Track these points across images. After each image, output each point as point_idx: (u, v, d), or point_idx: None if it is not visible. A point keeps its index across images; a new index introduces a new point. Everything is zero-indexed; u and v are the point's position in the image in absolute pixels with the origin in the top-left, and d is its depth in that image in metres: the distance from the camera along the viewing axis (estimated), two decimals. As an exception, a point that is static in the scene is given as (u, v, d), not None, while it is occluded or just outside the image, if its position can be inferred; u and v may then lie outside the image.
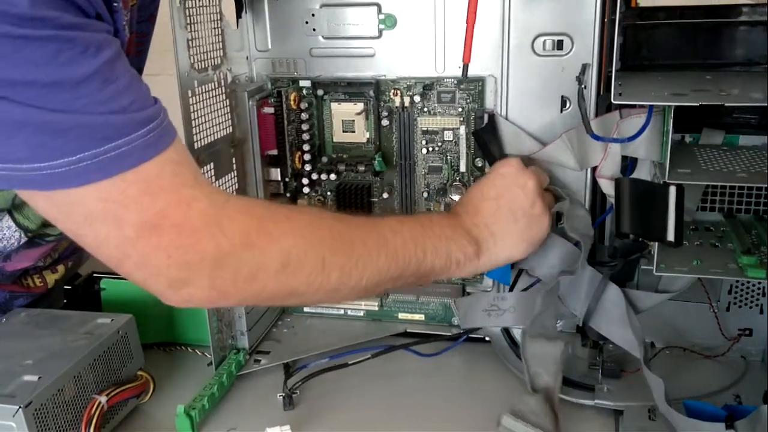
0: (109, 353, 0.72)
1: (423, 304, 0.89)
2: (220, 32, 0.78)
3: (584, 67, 0.71)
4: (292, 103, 0.84)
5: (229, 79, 0.80)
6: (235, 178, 0.82)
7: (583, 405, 0.72)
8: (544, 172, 0.73)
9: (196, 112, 0.72)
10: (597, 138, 0.68)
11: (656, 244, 0.66)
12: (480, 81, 0.78)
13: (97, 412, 0.67)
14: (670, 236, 0.62)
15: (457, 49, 0.78)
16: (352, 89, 0.83)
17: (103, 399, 0.69)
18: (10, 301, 0.84)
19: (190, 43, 0.71)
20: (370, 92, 0.82)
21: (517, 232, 0.68)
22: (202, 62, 0.74)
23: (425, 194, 0.84)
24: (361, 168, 0.84)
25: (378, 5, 0.79)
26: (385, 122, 0.83)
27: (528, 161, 0.73)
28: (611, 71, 0.61)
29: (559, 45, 0.73)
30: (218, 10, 0.77)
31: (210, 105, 0.76)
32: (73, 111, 0.46)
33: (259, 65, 0.85)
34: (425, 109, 0.81)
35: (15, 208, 0.77)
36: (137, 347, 0.77)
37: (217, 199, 0.53)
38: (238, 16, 0.83)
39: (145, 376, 0.76)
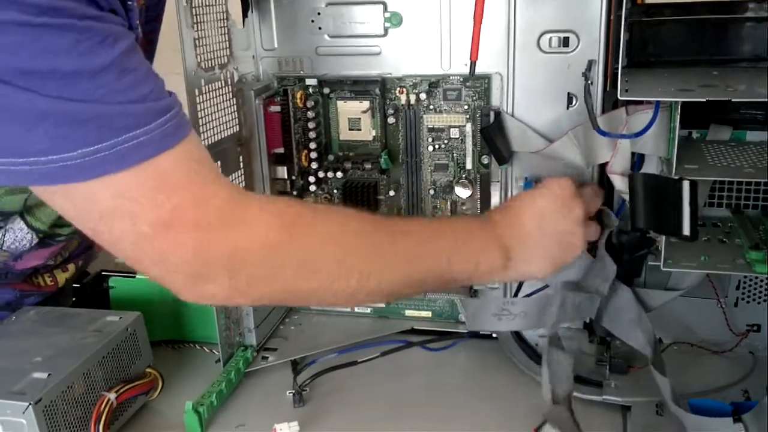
0: (117, 351, 0.73)
1: (430, 301, 0.89)
2: (226, 31, 0.78)
3: (590, 64, 0.71)
4: (298, 101, 0.84)
5: (236, 78, 0.80)
6: (242, 176, 0.82)
7: (591, 401, 0.72)
8: (597, 197, 0.70)
9: (202, 111, 0.73)
10: (603, 134, 0.68)
11: (663, 239, 0.66)
12: (486, 78, 0.78)
13: (107, 409, 0.68)
14: (686, 230, 0.62)
15: (462, 46, 0.78)
16: (358, 87, 0.83)
17: (112, 396, 0.69)
18: (20, 299, 0.85)
19: (196, 42, 0.72)
20: (376, 90, 0.82)
21: (549, 256, 0.66)
22: (209, 61, 0.74)
23: (431, 191, 0.85)
24: (368, 166, 0.84)
25: (384, 3, 0.79)
26: (391, 120, 0.83)
27: (580, 184, 0.70)
28: (617, 68, 0.61)
29: (565, 42, 0.73)
30: (224, 9, 0.77)
31: (217, 104, 0.76)
32: (93, 101, 0.45)
33: (266, 64, 0.86)
34: (431, 107, 0.82)
35: (26, 210, 0.78)
36: (146, 344, 0.78)
37: (236, 197, 0.53)
38: (245, 15, 0.83)
39: (153, 373, 0.76)
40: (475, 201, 0.83)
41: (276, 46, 0.85)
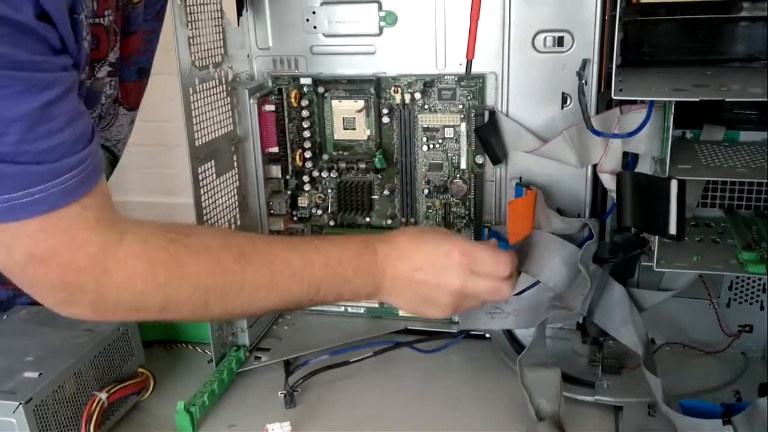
0: (109, 350, 0.72)
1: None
2: (221, 30, 0.78)
3: (584, 63, 0.71)
4: (293, 100, 0.84)
5: (230, 77, 0.80)
6: (236, 175, 0.82)
7: (583, 401, 0.72)
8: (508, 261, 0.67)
9: (197, 110, 0.73)
10: (597, 133, 0.68)
11: (656, 239, 0.67)
12: (481, 78, 0.78)
13: (98, 409, 0.68)
14: (672, 230, 0.63)
15: (457, 46, 0.78)
16: (352, 86, 0.83)
17: (103, 396, 0.69)
18: (12, 299, 0.84)
19: (191, 40, 0.71)
20: (371, 89, 0.82)
21: (413, 304, 0.67)
22: (203, 60, 0.74)
23: (426, 191, 0.85)
24: (362, 165, 0.84)
25: (378, 3, 0.79)
26: (385, 119, 0.83)
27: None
28: (612, 67, 0.61)
29: (560, 41, 0.73)
30: (219, 8, 0.77)
31: (211, 103, 0.76)
32: None
33: (260, 63, 0.85)
34: (426, 107, 0.82)
35: None
36: (138, 344, 0.77)
37: (109, 242, 0.54)
38: (239, 14, 0.83)
39: (145, 373, 0.76)
40: (469, 200, 0.83)
41: (270, 45, 0.85)
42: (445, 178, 0.84)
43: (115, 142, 0.85)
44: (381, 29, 0.80)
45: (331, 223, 0.88)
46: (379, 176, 0.86)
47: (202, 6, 0.73)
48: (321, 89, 0.83)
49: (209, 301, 0.58)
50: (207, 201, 0.75)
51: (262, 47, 0.85)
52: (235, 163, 0.82)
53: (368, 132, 0.84)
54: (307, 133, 0.85)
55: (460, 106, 0.80)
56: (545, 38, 0.73)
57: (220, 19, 0.78)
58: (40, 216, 0.49)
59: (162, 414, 0.74)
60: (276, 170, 0.86)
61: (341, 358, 0.79)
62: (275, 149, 0.84)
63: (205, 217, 0.75)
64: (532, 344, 0.72)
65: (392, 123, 0.83)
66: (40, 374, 0.65)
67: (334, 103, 0.84)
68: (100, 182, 0.54)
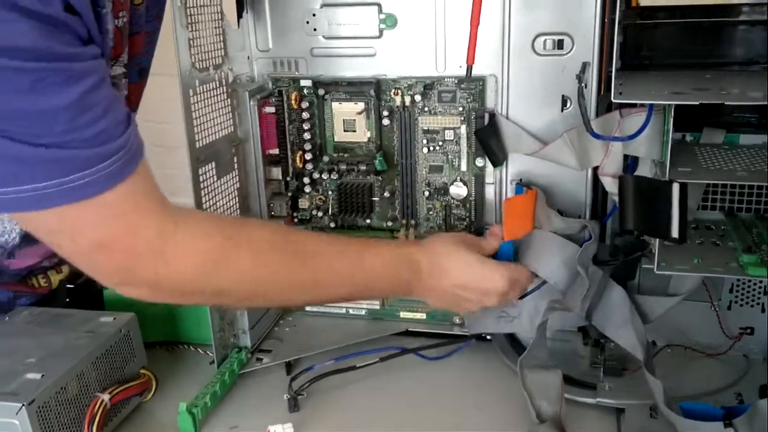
0: (111, 352, 0.73)
1: (425, 302, 0.89)
2: (221, 32, 0.78)
3: (584, 66, 0.71)
4: (293, 102, 0.84)
5: (231, 79, 0.80)
6: (237, 177, 0.82)
7: (584, 403, 0.72)
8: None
9: (197, 112, 0.73)
10: (597, 136, 0.68)
11: (657, 242, 0.67)
12: (481, 80, 0.78)
13: (100, 410, 0.68)
14: (674, 233, 0.63)
15: (457, 48, 0.78)
16: (353, 89, 0.83)
17: (105, 397, 0.69)
18: (13, 300, 0.85)
19: (191, 42, 0.72)
20: (371, 92, 0.82)
21: (446, 305, 0.76)
22: (204, 62, 0.74)
23: (426, 193, 0.85)
24: (362, 167, 0.84)
25: (379, 5, 0.79)
26: (386, 122, 0.83)
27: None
28: (611, 70, 0.61)
29: (560, 44, 0.73)
30: (219, 10, 0.77)
31: (211, 104, 0.76)
32: (47, 142, 0.49)
33: (261, 65, 0.86)
34: (426, 109, 0.82)
35: None
36: (140, 346, 0.78)
37: (166, 230, 0.57)
38: (239, 15, 0.83)
39: (147, 375, 0.76)
40: (470, 202, 0.83)
41: (271, 46, 0.85)
42: (446, 180, 0.84)
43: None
44: (381, 31, 0.80)
45: (332, 225, 0.88)
46: (380, 178, 0.86)
47: (202, 8, 0.74)
48: (321, 91, 0.83)
49: (259, 292, 0.64)
50: (208, 202, 0.76)
51: (262, 49, 0.85)
52: (236, 165, 0.82)
53: (368, 134, 0.84)
54: (307, 135, 0.85)
55: (461, 109, 0.80)
56: (545, 41, 0.73)
57: (220, 21, 0.78)
58: (92, 199, 0.52)
59: (164, 415, 0.75)
60: (276, 172, 0.86)
61: (345, 363, 0.79)
62: (276, 151, 0.84)
63: (206, 220, 0.75)
64: (533, 346, 0.72)
65: (392, 125, 0.83)
66: (42, 376, 0.65)
67: (335, 105, 0.84)
68: (142, 163, 0.56)
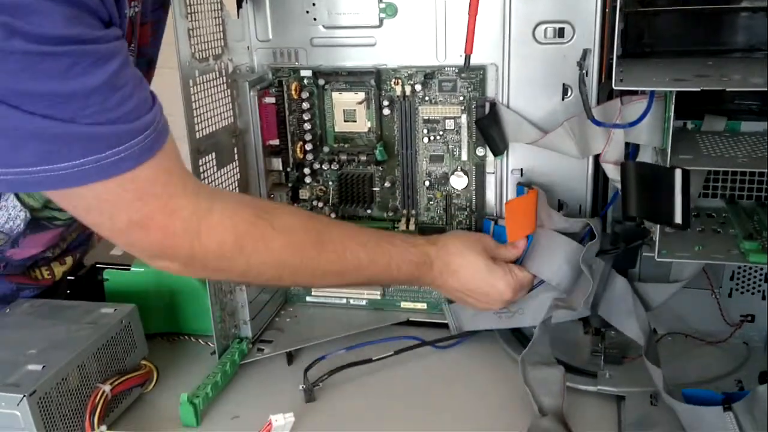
0: (112, 343, 0.73)
1: (425, 292, 0.89)
2: (220, 22, 0.78)
3: (585, 53, 0.71)
4: (293, 92, 0.84)
5: (230, 69, 0.80)
6: (237, 168, 0.82)
7: (585, 391, 0.73)
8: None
9: (197, 102, 0.73)
10: (598, 123, 0.68)
11: (658, 229, 0.67)
12: (481, 69, 0.78)
13: (101, 401, 0.68)
14: (678, 219, 0.63)
15: (458, 37, 0.78)
16: (353, 78, 0.83)
17: (107, 388, 0.69)
18: (16, 292, 0.85)
19: (190, 32, 0.71)
20: (371, 81, 0.82)
21: (458, 298, 0.79)
22: (203, 52, 0.74)
23: (427, 183, 0.85)
24: (363, 157, 0.84)
25: (379, -6, 0.79)
26: (386, 111, 0.83)
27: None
28: (612, 58, 0.61)
29: (561, 33, 0.73)
30: (219, 0, 0.77)
31: (211, 95, 0.76)
32: (81, 121, 0.51)
33: (260, 55, 0.85)
34: (426, 98, 0.81)
35: None
36: (140, 337, 0.78)
37: (200, 209, 0.60)
38: (239, 6, 0.83)
39: (148, 366, 0.76)
40: (471, 192, 0.83)
41: (270, 37, 0.84)
42: (446, 170, 0.83)
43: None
44: (381, 21, 0.80)
45: (332, 215, 0.88)
46: (380, 168, 0.86)
47: (201, -2, 0.73)
48: (321, 81, 0.83)
49: (284, 275, 0.68)
50: (208, 194, 0.75)
51: (262, 39, 0.85)
52: (236, 156, 0.82)
53: (369, 124, 0.84)
54: (307, 126, 0.85)
55: (461, 98, 0.80)
56: (546, 29, 0.73)
57: (219, 11, 0.77)
58: (126, 173, 0.54)
59: (165, 406, 0.75)
60: (277, 163, 0.86)
61: (354, 354, 0.79)
62: (276, 141, 0.84)
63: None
64: (535, 342, 0.72)
65: (393, 115, 0.83)
66: (43, 367, 0.65)
67: (335, 95, 0.84)
68: (169, 140, 0.58)
